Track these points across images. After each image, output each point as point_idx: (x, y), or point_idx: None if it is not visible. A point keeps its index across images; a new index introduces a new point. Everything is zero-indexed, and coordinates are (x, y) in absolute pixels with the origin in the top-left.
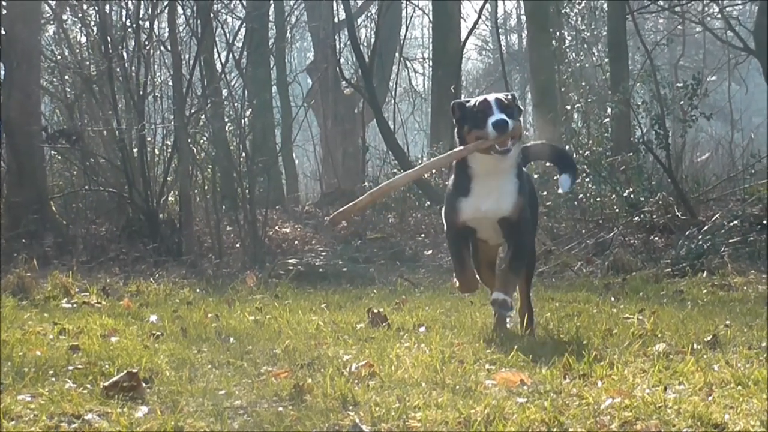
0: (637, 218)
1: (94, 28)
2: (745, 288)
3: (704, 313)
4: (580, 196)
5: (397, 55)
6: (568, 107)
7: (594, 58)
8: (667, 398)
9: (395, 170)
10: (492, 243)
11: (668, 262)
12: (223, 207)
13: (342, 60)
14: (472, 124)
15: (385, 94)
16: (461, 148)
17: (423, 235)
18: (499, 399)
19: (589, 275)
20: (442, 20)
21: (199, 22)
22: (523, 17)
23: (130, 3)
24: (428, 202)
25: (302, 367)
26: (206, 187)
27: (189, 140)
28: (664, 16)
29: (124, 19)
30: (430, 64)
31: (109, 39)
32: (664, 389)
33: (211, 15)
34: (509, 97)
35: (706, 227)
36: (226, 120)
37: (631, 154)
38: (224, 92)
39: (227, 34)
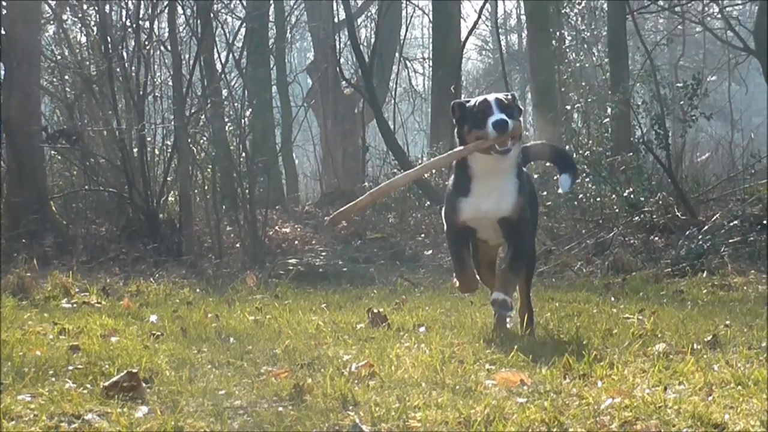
0: (637, 218)
1: (94, 28)
2: (745, 288)
3: (704, 313)
4: (580, 196)
5: (397, 55)
6: (568, 107)
7: (594, 58)
8: (667, 398)
9: (395, 170)
10: (492, 243)
11: (668, 262)
12: (223, 207)
13: (342, 60)
14: (472, 124)
15: (385, 94)
16: (461, 148)
17: (423, 235)
18: (499, 399)
19: (589, 275)
20: (442, 20)
21: (199, 22)
22: (523, 17)
23: (130, 3)
24: (428, 202)
25: (302, 367)
26: (206, 187)
27: (189, 140)
28: (664, 16)
29: (124, 19)
30: (430, 64)
31: (109, 39)
32: (664, 389)
33: (211, 15)
34: (509, 97)
35: (706, 227)
36: (226, 120)
37: (631, 154)
38: (224, 92)
39: (227, 34)
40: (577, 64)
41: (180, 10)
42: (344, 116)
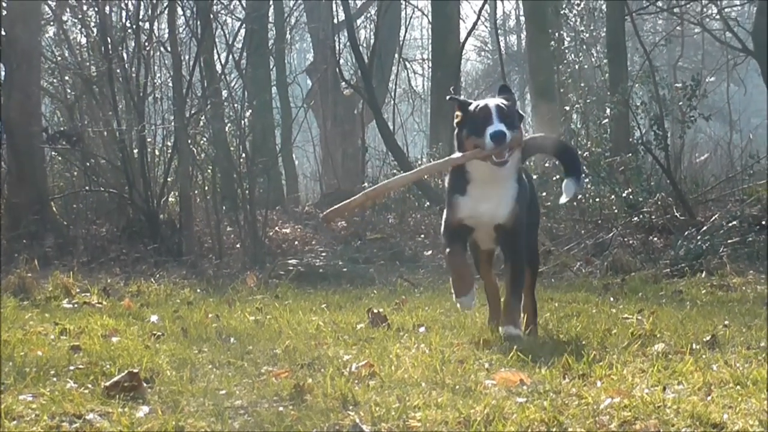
0: (636, 219)
1: (94, 29)
2: (743, 288)
3: (703, 314)
4: (580, 196)
5: (396, 56)
6: (567, 108)
7: (593, 59)
8: (666, 398)
9: (395, 171)
10: (484, 248)
11: (667, 263)
12: (224, 207)
13: (341, 61)
14: (470, 130)
15: (384, 95)
16: (459, 155)
17: (423, 236)
18: (499, 399)
19: (589, 276)
20: (441, 21)
21: (198, 23)
22: (522, 18)
23: (130, 4)
24: (428, 203)
25: (302, 367)
26: (206, 188)
27: (189, 141)
28: (663, 17)
29: (124, 20)
30: (430, 65)
31: (109, 40)
32: (663, 389)
33: (211, 16)
34: (508, 103)
35: (704, 228)
36: (226, 121)
37: (630, 154)
38: (224, 93)
39: (227, 35)
40: (576, 65)
41: (180, 11)
42: (344, 117)
